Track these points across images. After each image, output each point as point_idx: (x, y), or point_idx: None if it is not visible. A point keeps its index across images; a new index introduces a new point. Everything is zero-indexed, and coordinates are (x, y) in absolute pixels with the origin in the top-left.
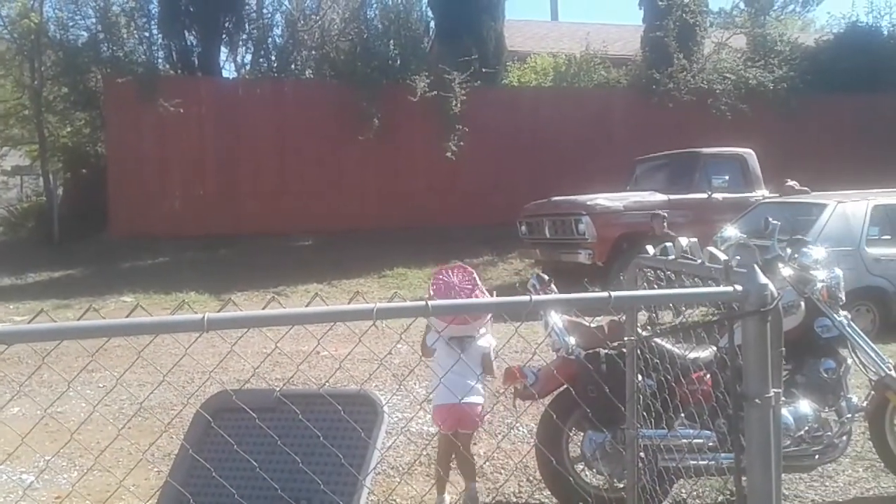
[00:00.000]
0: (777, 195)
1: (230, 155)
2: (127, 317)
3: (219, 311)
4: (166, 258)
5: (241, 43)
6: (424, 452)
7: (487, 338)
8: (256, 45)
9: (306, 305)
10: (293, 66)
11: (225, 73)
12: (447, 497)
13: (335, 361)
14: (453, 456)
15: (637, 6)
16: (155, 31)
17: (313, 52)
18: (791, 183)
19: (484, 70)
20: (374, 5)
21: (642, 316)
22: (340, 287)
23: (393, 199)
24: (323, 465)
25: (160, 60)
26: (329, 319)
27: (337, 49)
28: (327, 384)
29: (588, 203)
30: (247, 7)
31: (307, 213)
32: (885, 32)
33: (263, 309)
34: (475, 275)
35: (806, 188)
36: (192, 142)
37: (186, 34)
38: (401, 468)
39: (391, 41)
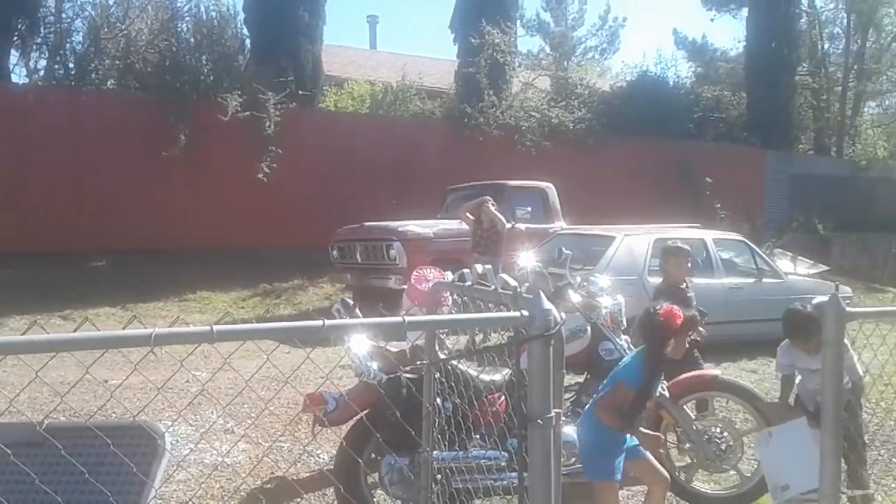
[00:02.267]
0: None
1: (17, 166)
2: None
3: None
4: None
5: (34, 47)
6: (218, 485)
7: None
8: (52, 51)
9: (74, 331)
10: (94, 76)
11: (15, 78)
12: None
13: (126, 390)
14: None
15: (451, 42)
16: None
17: (117, 62)
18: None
19: (300, 92)
20: (186, 18)
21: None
22: (137, 311)
23: (199, 219)
24: None
25: None
26: (100, 346)
27: (144, 60)
28: (114, 415)
29: (399, 229)
30: (43, 10)
31: (104, 232)
32: (671, 83)
33: (23, 334)
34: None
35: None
36: None
37: None
38: (193, 502)
39: (203, 56)
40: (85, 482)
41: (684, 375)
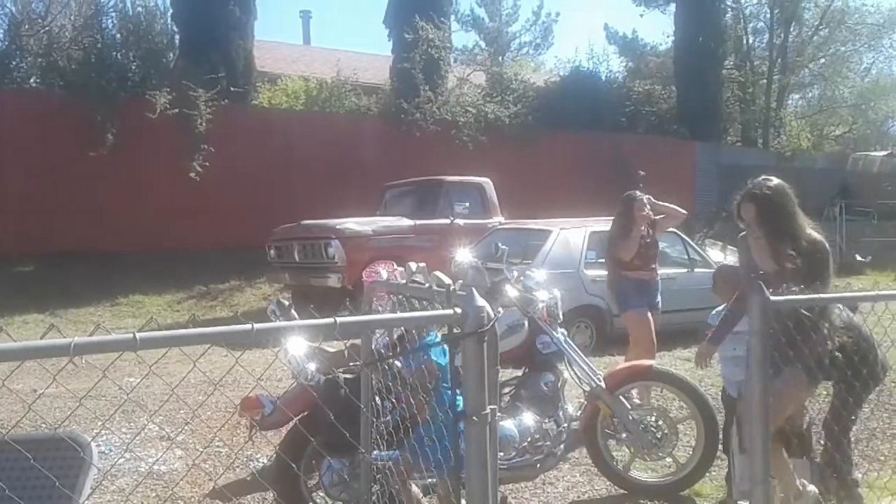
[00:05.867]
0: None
1: None
2: None
3: None
4: None
5: None
6: (154, 493)
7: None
8: None
9: None
10: (15, 74)
11: None
12: None
13: (57, 399)
14: None
15: (386, 37)
16: None
17: (40, 60)
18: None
19: (232, 89)
20: (112, 14)
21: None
22: (66, 317)
23: (130, 220)
24: None
25: None
26: (16, 357)
27: (68, 57)
28: (44, 427)
29: (338, 227)
30: None
31: (29, 235)
32: (603, 77)
33: None
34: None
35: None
36: None
37: None
38: None
39: (130, 53)
40: (9, 499)
41: (619, 366)
